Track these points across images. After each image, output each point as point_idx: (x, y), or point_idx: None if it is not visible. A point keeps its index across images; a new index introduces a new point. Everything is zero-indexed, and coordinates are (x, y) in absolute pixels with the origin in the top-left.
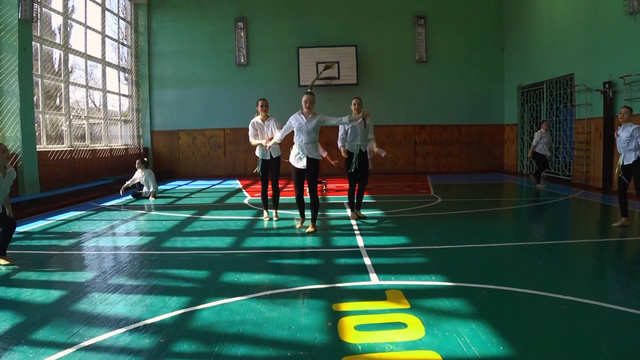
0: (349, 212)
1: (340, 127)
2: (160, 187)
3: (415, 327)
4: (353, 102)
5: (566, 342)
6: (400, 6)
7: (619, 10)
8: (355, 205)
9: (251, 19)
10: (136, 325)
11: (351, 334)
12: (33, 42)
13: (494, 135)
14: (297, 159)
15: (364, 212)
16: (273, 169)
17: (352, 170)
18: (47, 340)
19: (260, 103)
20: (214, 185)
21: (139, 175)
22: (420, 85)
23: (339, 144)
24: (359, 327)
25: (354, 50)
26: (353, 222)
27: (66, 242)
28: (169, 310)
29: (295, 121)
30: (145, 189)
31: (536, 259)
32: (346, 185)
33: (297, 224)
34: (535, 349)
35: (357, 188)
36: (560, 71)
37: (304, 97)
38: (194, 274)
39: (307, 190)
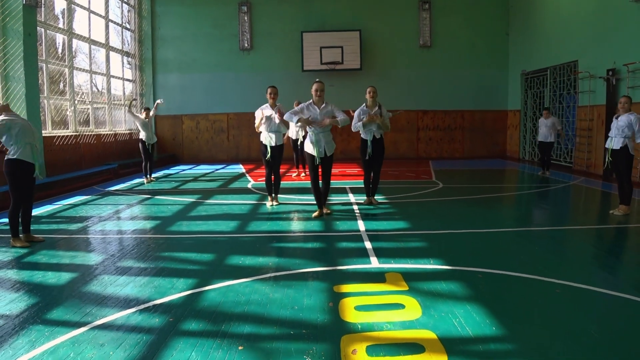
0: (352, 199)
1: (355, 115)
2: (164, 172)
3: (412, 308)
4: (368, 90)
5: (557, 324)
6: None
7: None
8: (371, 191)
9: (255, 4)
10: (146, 305)
11: (351, 314)
12: (37, 28)
13: (497, 121)
14: (313, 149)
15: (365, 198)
16: (277, 156)
17: (367, 157)
18: (61, 319)
19: (269, 90)
20: (217, 169)
21: (142, 119)
22: (424, 70)
23: (354, 129)
24: (358, 308)
25: (358, 35)
26: (355, 207)
27: (74, 226)
28: (177, 292)
29: (308, 112)
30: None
31: (533, 244)
32: (348, 170)
33: (314, 214)
34: (526, 331)
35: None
36: (565, 58)
37: (315, 86)
38: (200, 257)
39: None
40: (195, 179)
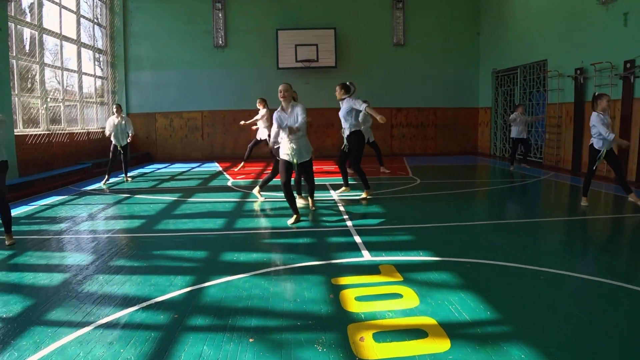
0: (334, 195)
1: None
2: (139, 171)
3: (410, 297)
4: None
5: (544, 306)
6: None
7: (592, 0)
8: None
9: (229, 1)
10: (147, 303)
11: (353, 304)
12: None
13: (468, 119)
14: (286, 155)
15: (346, 194)
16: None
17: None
18: (63, 319)
19: (279, 88)
20: (193, 168)
21: (117, 121)
22: (398, 68)
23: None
24: (359, 298)
25: (333, 33)
26: (339, 203)
27: (56, 227)
28: (176, 289)
29: (277, 119)
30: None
31: (513, 235)
32: (325, 167)
33: (289, 221)
34: (518, 314)
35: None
36: (534, 57)
37: (279, 87)
38: (193, 254)
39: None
40: (172, 177)
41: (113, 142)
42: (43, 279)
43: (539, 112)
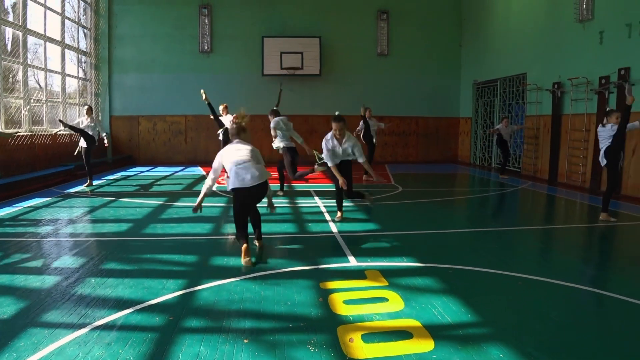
0: (319, 202)
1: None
2: (122, 174)
3: (395, 301)
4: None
5: (523, 310)
6: (364, 0)
7: (569, 17)
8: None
9: (216, 6)
10: (142, 305)
11: (341, 307)
12: None
13: (449, 128)
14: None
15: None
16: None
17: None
18: (59, 321)
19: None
20: (176, 172)
21: (87, 123)
22: (381, 78)
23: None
24: (347, 302)
25: (318, 42)
26: (323, 209)
27: (42, 229)
28: (169, 292)
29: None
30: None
31: (491, 242)
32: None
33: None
34: (498, 317)
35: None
36: (514, 70)
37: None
38: (184, 259)
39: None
40: (156, 181)
41: (80, 145)
42: (34, 281)
43: (518, 123)
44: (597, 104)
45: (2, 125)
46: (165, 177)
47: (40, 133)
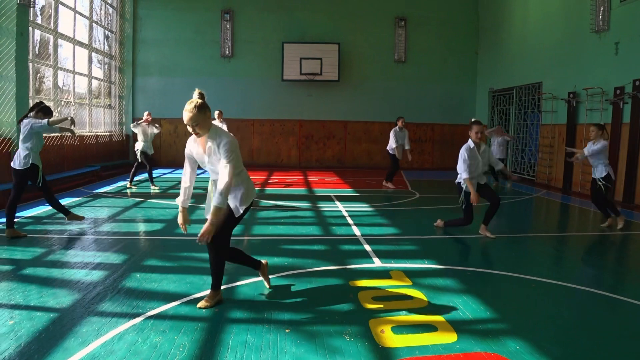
0: (340, 206)
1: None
2: (145, 175)
3: (419, 299)
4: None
5: (537, 309)
6: (382, 7)
7: (586, 28)
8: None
9: (237, 12)
10: (188, 298)
11: (371, 303)
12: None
13: (465, 135)
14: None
15: (351, 205)
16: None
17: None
18: (113, 311)
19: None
20: (198, 174)
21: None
22: (398, 84)
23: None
24: (375, 298)
25: (337, 48)
26: (345, 213)
27: (80, 227)
28: (210, 287)
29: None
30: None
31: (506, 248)
32: (327, 179)
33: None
34: (513, 315)
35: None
36: (530, 79)
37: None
38: None
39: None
40: (179, 183)
41: (141, 150)
42: (84, 275)
43: (533, 132)
44: (611, 114)
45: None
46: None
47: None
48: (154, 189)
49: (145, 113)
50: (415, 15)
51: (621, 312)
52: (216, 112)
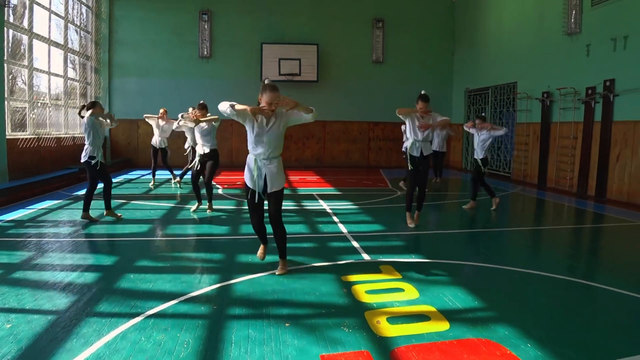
0: (324, 205)
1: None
2: (124, 177)
3: (410, 291)
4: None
5: (521, 298)
6: (360, 9)
7: (558, 30)
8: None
9: (215, 12)
10: (185, 297)
11: (364, 296)
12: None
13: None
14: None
15: (335, 203)
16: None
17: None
18: (112, 312)
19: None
20: (177, 175)
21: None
22: (376, 84)
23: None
24: (368, 292)
25: (316, 49)
26: (330, 211)
27: (64, 230)
28: (206, 285)
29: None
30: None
31: (487, 242)
32: (308, 178)
33: (258, 254)
34: (500, 303)
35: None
36: (505, 79)
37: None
38: (211, 256)
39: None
40: (160, 184)
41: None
42: (77, 277)
43: (508, 130)
44: (584, 113)
45: (9, 129)
46: (168, 181)
47: (45, 136)
48: (174, 184)
49: (161, 110)
50: (393, 16)
51: (594, 297)
52: (161, 110)
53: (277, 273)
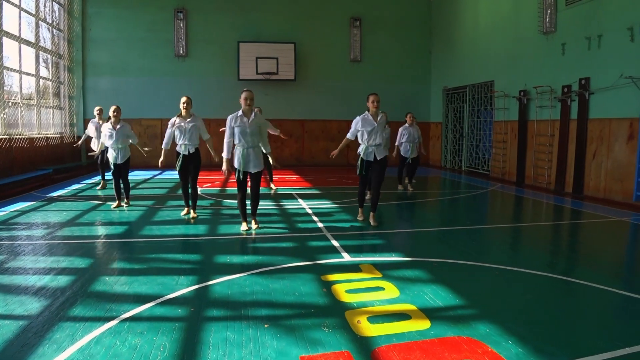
0: (303, 204)
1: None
2: (98, 178)
3: (391, 290)
4: (372, 99)
5: (501, 294)
6: (337, 7)
7: (534, 29)
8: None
9: (191, 10)
10: (162, 299)
11: (344, 296)
12: None
13: (421, 132)
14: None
15: (314, 203)
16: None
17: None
18: (87, 315)
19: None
20: (155, 175)
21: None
22: (355, 83)
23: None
24: (348, 291)
25: (293, 48)
26: (309, 210)
27: (38, 232)
28: (183, 287)
29: (238, 122)
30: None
31: (467, 239)
32: (287, 177)
33: (242, 228)
34: (480, 300)
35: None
36: (482, 77)
37: (244, 94)
38: (188, 257)
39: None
40: (137, 184)
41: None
42: (50, 281)
43: (486, 128)
44: (560, 110)
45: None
46: (145, 181)
47: (17, 137)
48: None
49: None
50: (370, 15)
51: (573, 292)
52: (96, 109)
53: (252, 227)
